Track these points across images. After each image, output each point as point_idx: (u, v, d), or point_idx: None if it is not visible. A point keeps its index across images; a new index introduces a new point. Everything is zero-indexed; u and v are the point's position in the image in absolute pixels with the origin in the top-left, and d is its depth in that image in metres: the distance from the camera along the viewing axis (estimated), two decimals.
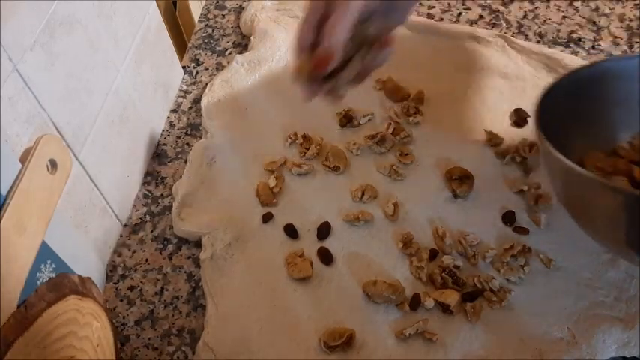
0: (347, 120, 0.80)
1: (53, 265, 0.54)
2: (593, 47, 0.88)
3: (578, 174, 0.54)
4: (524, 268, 0.66)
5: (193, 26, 0.97)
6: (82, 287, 0.56)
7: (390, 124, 0.79)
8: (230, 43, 0.93)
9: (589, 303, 0.63)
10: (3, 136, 0.51)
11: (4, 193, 0.48)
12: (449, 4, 0.95)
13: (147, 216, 0.75)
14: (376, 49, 0.58)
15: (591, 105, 0.66)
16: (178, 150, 0.81)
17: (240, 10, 0.97)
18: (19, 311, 0.47)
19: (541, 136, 0.58)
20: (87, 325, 0.55)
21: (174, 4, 0.97)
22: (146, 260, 0.71)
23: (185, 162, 0.79)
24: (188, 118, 0.84)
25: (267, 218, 0.72)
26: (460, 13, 0.94)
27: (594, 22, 0.91)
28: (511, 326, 0.62)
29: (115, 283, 0.70)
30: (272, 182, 0.74)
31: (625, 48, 0.87)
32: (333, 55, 0.54)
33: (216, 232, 0.70)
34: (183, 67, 0.90)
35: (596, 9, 0.93)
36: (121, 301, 0.68)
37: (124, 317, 0.67)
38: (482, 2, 0.95)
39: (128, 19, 0.73)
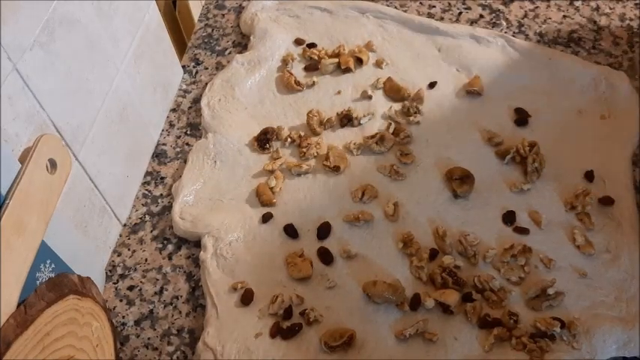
0: (347, 120, 0.80)
1: (52, 265, 0.54)
2: (593, 47, 0.87)
3: None
4: (525, 268, 0.66)
5: (193, 26, 0.97)
6: (81, 287, 0.56)
7: (390, 124, 0.79)
8: (230, 43, 0.93)
9: (589, 303, 0.63)
10: (2, 136, 0.50)
11: (3, 192, 0.48)
12: (449, 4, 0.95)
13: (146, 216, 0.75)
14: None
15: None
16: (178, 150, 0.81)
17: (239, 10, 0.97)
18: (18, 311, 0.47)
19: None
20: (86, 325, 0.55)
21: (174, 3, 0.97)
22: (146, 260, 0.71)
23: (185, 162, 0.78)
24: (188, 118, 0.84)
25: (267, 218, 0.71)
26: (460, 13, 0.94)
27: (595, 22, 0.91)
28: None
29: (114, 283, 0.70)
30: (272, 182, 0.73)
31: (625, 48, 0.87)
32: None
33: (216, 232, 0.70)
34: (183, 67, 0.90)
35: (597, 8, 0.93)
36: (121, 301, 0.68)
37: (123, 317, 0.67)
38: (483, 2, 0.95)
39: (128, 18, 0.73)
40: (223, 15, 0.97)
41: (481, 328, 0.62)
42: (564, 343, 0.61)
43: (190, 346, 0.65)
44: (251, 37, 0.91)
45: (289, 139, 0.78)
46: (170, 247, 0.72)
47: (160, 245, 0.72)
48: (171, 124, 0.84)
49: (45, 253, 0.53)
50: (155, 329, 0.66)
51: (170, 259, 0.71)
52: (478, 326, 0.62)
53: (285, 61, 0.87)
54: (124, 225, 0.74)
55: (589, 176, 0.73)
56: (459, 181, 0.73)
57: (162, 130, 0.83)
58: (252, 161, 0.77)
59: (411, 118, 0.79)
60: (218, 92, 0.84)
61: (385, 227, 0.70)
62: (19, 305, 0.47)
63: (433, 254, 0.68)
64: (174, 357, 0.64)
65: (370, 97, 0.82)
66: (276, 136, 0.79)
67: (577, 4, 0.93)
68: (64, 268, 0.56)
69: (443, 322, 0.63)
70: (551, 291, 0.63)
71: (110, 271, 0.71)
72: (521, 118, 0.79)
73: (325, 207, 0.72)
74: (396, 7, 0.94)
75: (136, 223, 0.74)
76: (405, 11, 0.93)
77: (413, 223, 0.70)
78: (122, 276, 0.70)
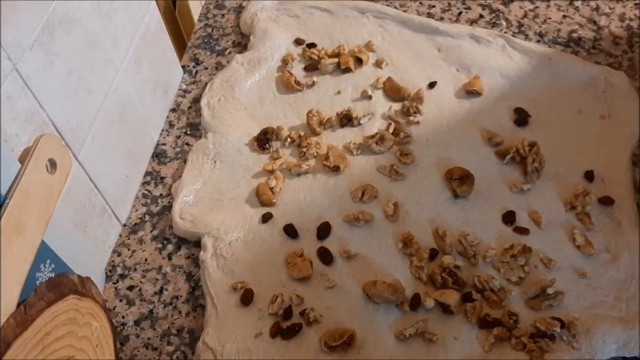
0: (347, 120, 0.80)
1: (52, 265, 0.54)
2: (593, 47, 0.88)
3: None
4: (525, 268, 0.66)
5: (193, 26, 0.97)
6: (81, 287, 0.56)
7: (390, 123, 0.79)
8: (230, 43, 0.93)
9: (589, 303, 0.63)
10: (2, 136, 0.50)
11: (3, 192, 0.48)
12: (449, 4, 0.95)
13: (146, 216, 0.75)
14: None
15: None
16: (178, 150, 0.81)
17: (239, 10, 0.97)
18: (18, 311, 0.47)
19: None
20: (86, 325, 0.55)
21: (174, 3, 0.97)
22: (145, 260, 0.71)
23: (185, 162, 0.78)
24: (188, 118, 0.84)
25: (267, 218, 0.71)
26: (460, 13, 0.94)
27: (595, 22, 0.91)
28: None
29: (114, 283, 0.70)
30: (272, 182, 0.73)
31: (625, 48, 0.87)
32: None
33: (216, 232, 0.70)
34: (183, 67, 0.90)
35: (597, 8, 0.93)
36: (121, 301, 0.68)
37: (123, 317, 0.67)
38: (483, 2, 0.95)
39: (127, 18, 0.73)
40: (223, 15, 0.97)
41: (481, 328, 0.62)
42: (564, 343, 0.61)
43: (190, 346, 0.65)
44: (251, 37, 0.91)
45: (289, 139, 0.78)
46: (170, 247, 0.72)
47: (160, 245, 0.72)
48: (171, 124, 0.84)
49: (45, 253, 0.53)
50: (155, 329, 0.66)
51: (170, 259, 0.71)
52: (478, 326, 0.62)
53: (285, 61, 0.87)
54: (124, 225, 0.74)
55: (589, 176, 0.73)
56: (459, 181, 0.72)
57: (162, 130, 0.83)
58: (252, 161, 0.77)
59: (411, 118, 0.79)
60: (218, 92, 0.84)
61: (385, 227, 0.70)
62: (18, 305, 0.47)
63: (433, 254, 0.68)
64: (174, 357, 0.64)
65: (370, 97, 0.82)
66: (276, 136, 0.79)
67: (577, 4, 0.93)
68: (63, 268, 0.56)
69: (443, 322, 0.63)
70: (550, 291, 0.63)
71: (110, 271, 0.71)
72: (521, 118, 0.79)
73: (325, 207, 0.72)
74: (395, 7, 0.94)
75: (135, 223, 0.74)
76: (405, 11, 0.93)
77: (413, 223, 0.70)
78: (122, 276, 0.70)
